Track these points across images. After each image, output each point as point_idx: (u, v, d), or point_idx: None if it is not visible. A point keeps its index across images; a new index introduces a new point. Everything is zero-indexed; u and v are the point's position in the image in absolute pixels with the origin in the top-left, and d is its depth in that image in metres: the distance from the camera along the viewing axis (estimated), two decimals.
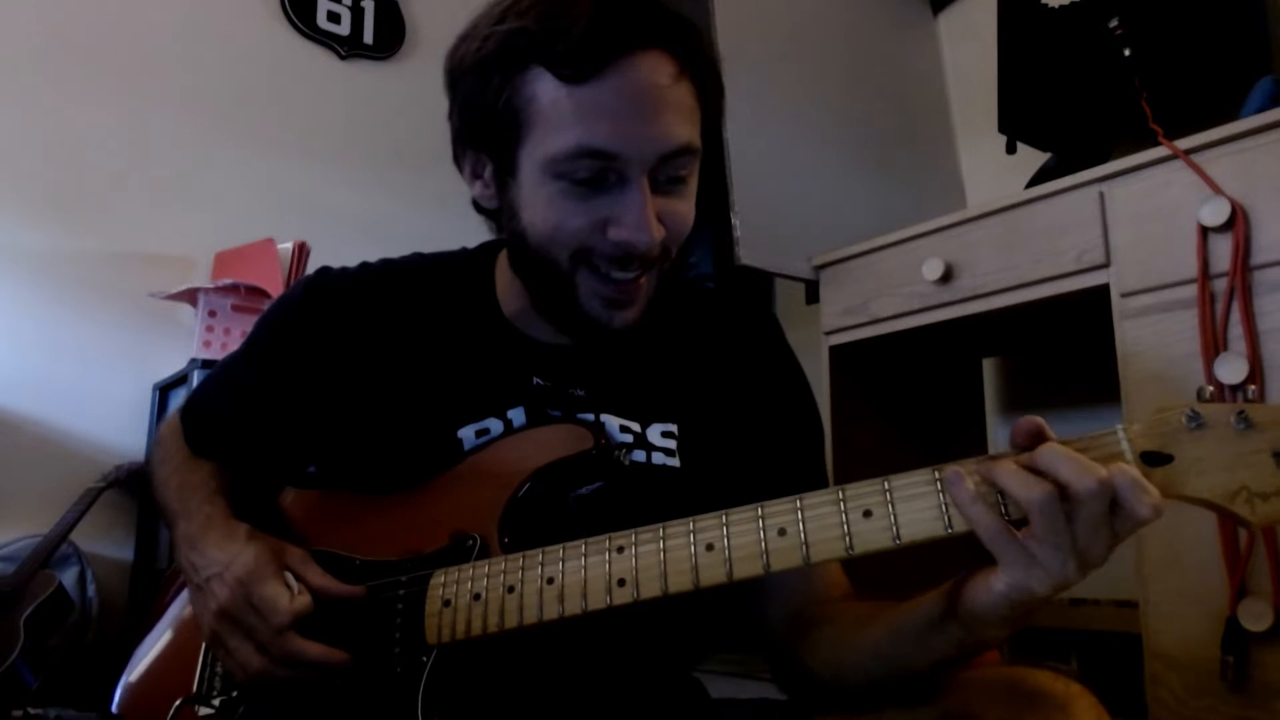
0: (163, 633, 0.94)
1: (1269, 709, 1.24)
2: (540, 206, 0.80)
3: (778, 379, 0.97)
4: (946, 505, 0.62)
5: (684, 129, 0.79)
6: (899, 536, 0.63)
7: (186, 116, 2.40)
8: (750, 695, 0.90)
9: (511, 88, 0.78)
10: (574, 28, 0.75)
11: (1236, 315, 1.32)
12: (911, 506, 0.64)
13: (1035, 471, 0.60)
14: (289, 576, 0.80)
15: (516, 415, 0.88)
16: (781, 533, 0.66)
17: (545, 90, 0.77)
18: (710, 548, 0.68)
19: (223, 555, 0.82)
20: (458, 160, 0.88)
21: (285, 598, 0.78)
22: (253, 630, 0.78)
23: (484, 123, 0.81)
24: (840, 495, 0.66)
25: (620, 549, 0.71)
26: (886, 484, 0.65)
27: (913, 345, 1.94)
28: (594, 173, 0.77)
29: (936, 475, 0.64)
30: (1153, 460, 0.61)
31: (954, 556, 0.66)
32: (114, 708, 0.93)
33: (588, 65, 0.75)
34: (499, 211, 0.86)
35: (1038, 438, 0.62)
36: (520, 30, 0.77)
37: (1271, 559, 1.25)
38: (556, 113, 0.76)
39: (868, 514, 0.64)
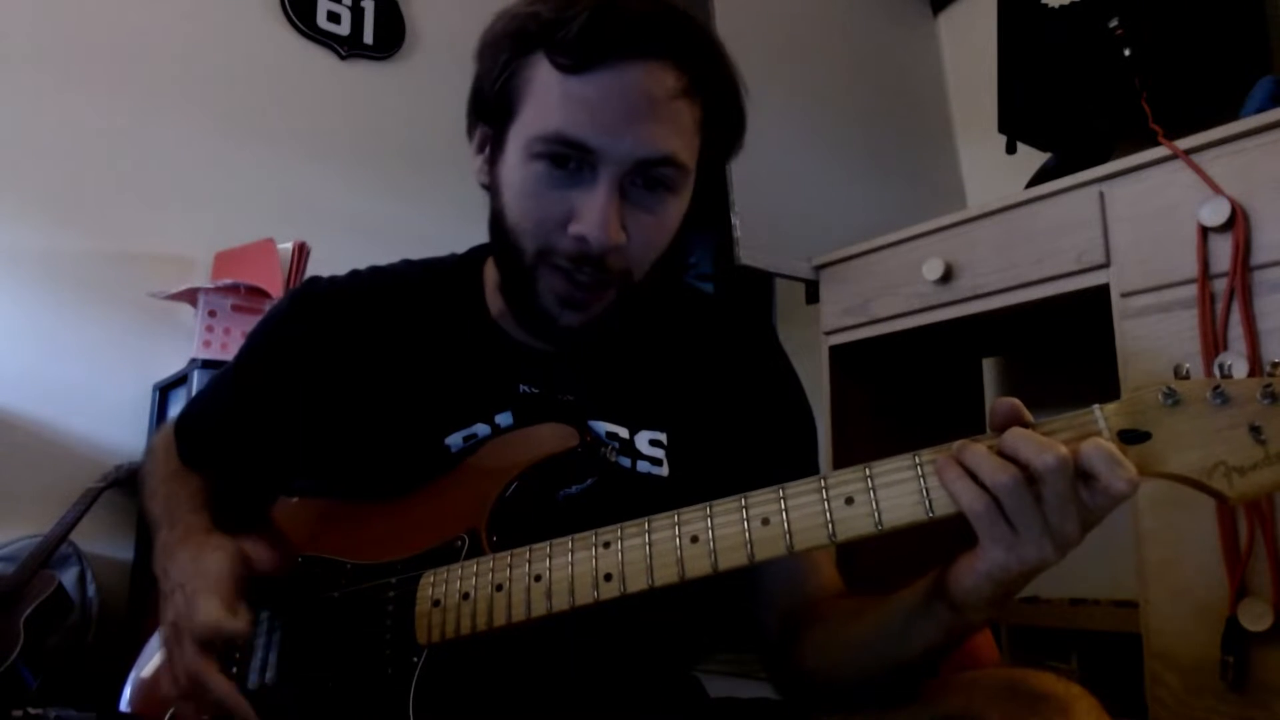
0: None
1: (1269, 709, 1.24)
2: (516, 186, 0.80)
3: (771, 388, 0.96)
4: (928, 490, 0.63)
5: (671, 140, 0.78)
6: (881, 522, 0.63)
7: (186, 116, 2.40)
8: (749, 695, 0.90)
9: (514, 68, 0.79)
10: (587, 20, 0.76)
11: (1236, 315, 1.32)
12: (893, 492, 0.64)
13: (1003, 455, 0.61)
14: (243, 606, 0.79)
15: (504, 419, 0.87)
16: (765, 522, 0.66)
17: (540, 74, 0.78)
18: (695, 539, 0.68)
19: (191, 568, 0.81)
20: (470, 133, 0.89)
21: (213, 611, 0.76)
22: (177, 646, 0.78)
23: (487, 98, 0.82)
24: (822, 483, 0.66)
25: (606, 544, 0.71)
26: (868, 470, 0.65)
27: (913, 345, 1.94)
28: (565, 157, 0.77)
29: (917, 461, 0.64)
30: (1130, 438, 0.61)
31: (945, 553, 0.66)
32: (125, 703, 0.93)
33: (583, 57, 0.75)
34: (488, 189, 0.87)
35: (1014, 419, 0.63)
36: (534, 15, 0.78)
37: (1271, 559, 1.25)
38: (545, 97, 0.77)
39: (850, 501, 0.65)
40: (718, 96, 0.82)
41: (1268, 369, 0.61)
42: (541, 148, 0.77)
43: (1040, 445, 0.59)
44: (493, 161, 0.84)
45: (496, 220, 0.84)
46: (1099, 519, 0.60)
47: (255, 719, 0.76)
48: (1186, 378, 0.62)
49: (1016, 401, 0.63)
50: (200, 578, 0.79)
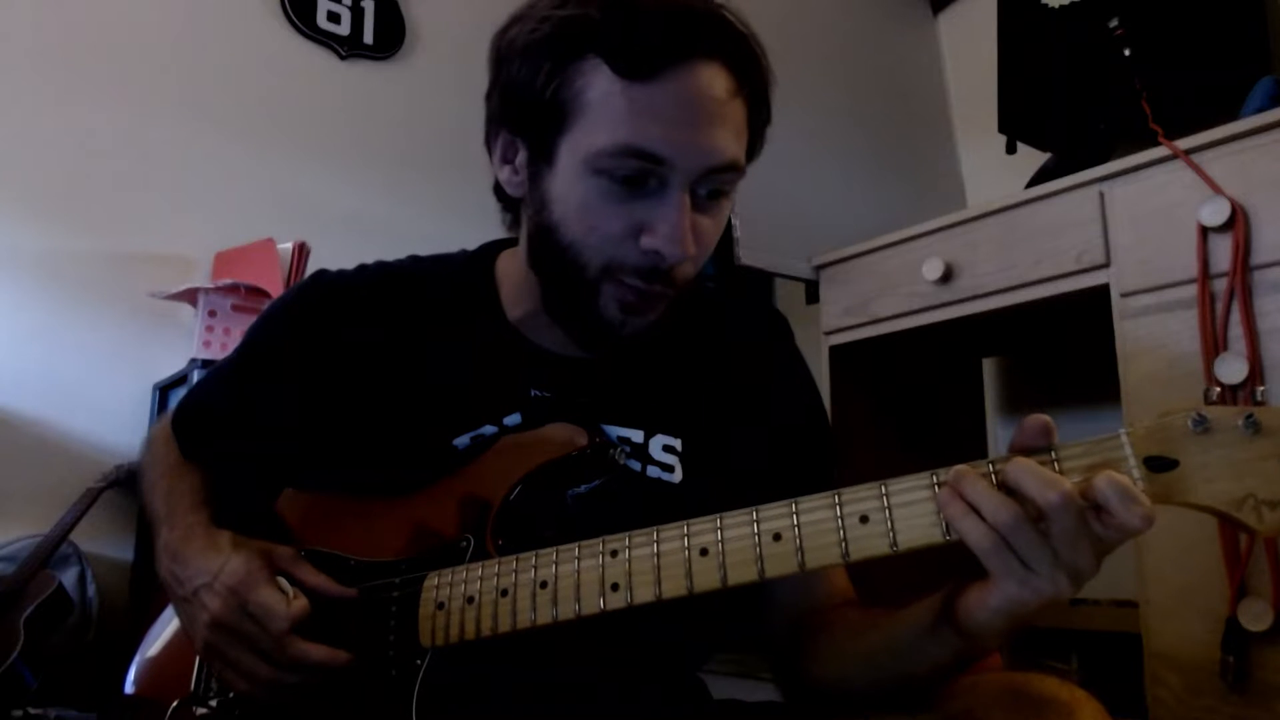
0: (173, 616, 0.92)
1: (1269, 709, 1.25)
2: (575, 202, 0.77)
3: (788, 395, 0.94)
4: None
5: (733, 145, 0.77)
6: (896, 543, 0.61)
7: (186, 116, 2.40)
8: (752, 696, 0.90)
9: (563, 75, 0.75)
10: (641, 23, 0.73)
11: (1237, 315, 1.32)
12: (909, 512, 0.61)
13: (1005, 489, 0.59)
14: (282, 581, 0.79)
15: (512, 421, 0.86)
16: (777, 538, 0.64)
17: (599, 82, 0.74)
18: (704, 552, 0.66)
19: (209, 565, 0.80)
20: (489, 142, 0.85)
21: (282, 602, 0.76)
22: (253, 638, 0.76)
23: (527, 107, 0.78)
24: (836, 499, 0.64)
25: (614, 552, 0.70)
26: (884, 488, 0.63)
27: (913, 345, 1.94)
28: (635, 173, 0.75)
29: (934, 480, 0.62)
30: (1157, 465, 0.59)
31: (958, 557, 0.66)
32: (130, 684, 0.92)
33: (648, 63, 0.73)
34: (522, 201, 0.84)
35: (1036, 442, 0.61)
36: (582, 17, 0.75)
37: (1271, 559, 1.25)
38: (608, 107, 0.74)
39: (864, 519, 0.62)
40: (760, 93, 0.81)
41: None
42: (609, 162, 0.74)
43: (1043, 481, 0.57)
44: (534, 174, 0.81)
45: (545, 235, 0.80)
46: (1112, 549, 0.59)
47: (350, 657, 0.76)
48: (1217, 402, 0.60)
49: (1047, 420, 0.61)
50: (229, 573, 0.78)
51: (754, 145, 0.83)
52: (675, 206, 0.75)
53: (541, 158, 0.79)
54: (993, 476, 0.60)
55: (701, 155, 0.75)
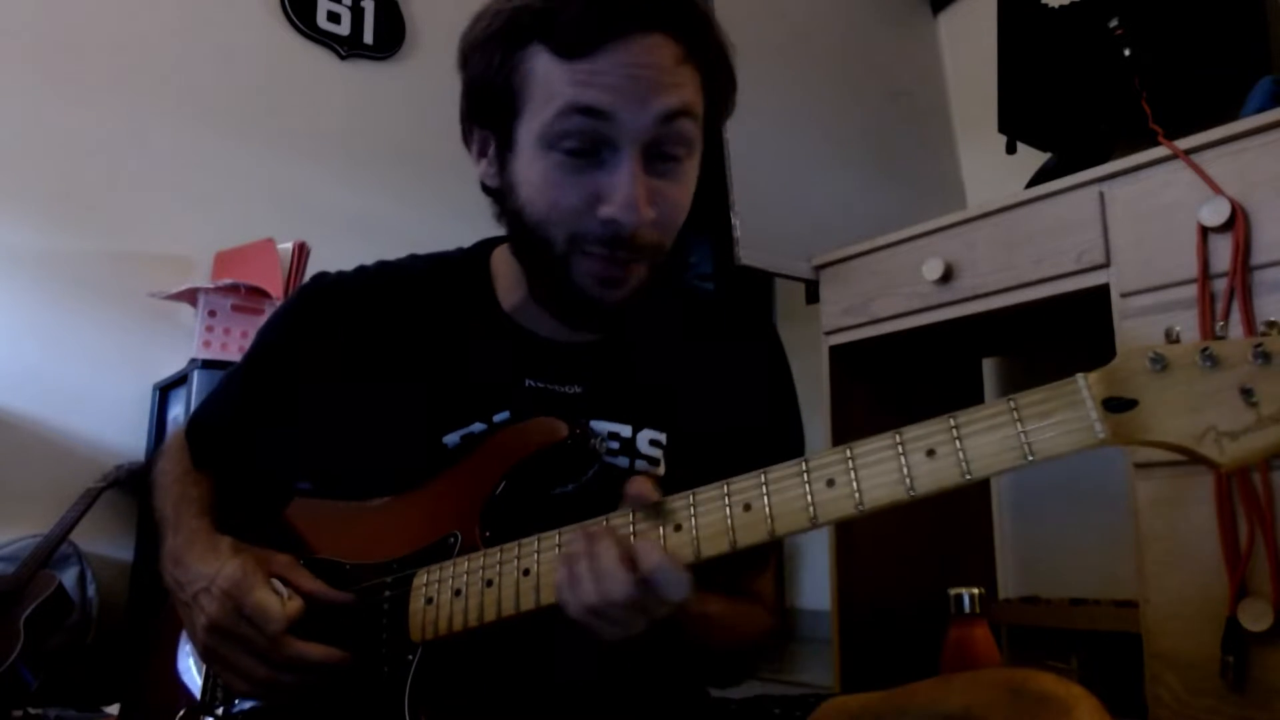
0: None
1: (1269, 709, 1.24)
2: (536, 181, 0.79)
3: (771, 396, 0.96)
4: (908, 469, 0.61)
5: (685, 92, 0.78)
6: (862, 503, 0.62)
7: (186, 116, 2.40)
8: (748, 694, 0.90)
9: (511, 63, 0.79)
10: (575, 6, 0.76)
11: (1237, 315, 1.32)
12: (874, 472, 0.62)
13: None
14: (277, 583, 0.80)
15: (501, 418, 0.87)
16: (747, 508, 0.66)
17: (541, 65, 0.77)
18: (679, 528, 0.68)
19: (207, 569, 0.81)
20: (466, 139, 0.88)
21: (276, 604, 0.77)
22: (249, 640, 0.77)
23: (486, 99, 0.82)
24: (804, 466, 0.65)
25: None
26: (849, 451, 0.64)
27: (913, 345, 1.94)
28: (584, 138, 0.76)
29: (898, 440, 0.62)
30: (1115, 406, 0.58)
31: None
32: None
33: (584, 41, 0.75)
34: (500, 191, 0.86)
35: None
36: (525, 7, 0.78)
37: (1271, 559, 1.25)
38: (549, 84, 0.77)
39: (831, 483, 0.63)
40: (713, 60, 0.82)
41: (1261, 328, 0.58)
42: (558, 127, 0.76)
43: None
44: (502, 163, 0.84)
45: (516, 219, 0.83)
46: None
47: (347, 656, 0.78)
48: (1178, 341, 0.59)
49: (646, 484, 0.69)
50: (225, 577, 0.79)
51: (719, 109, 0.85)
52: (626, 172, 0.77)
53: (505, 145, 0.82)
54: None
55: (647, 107, 0.76)
